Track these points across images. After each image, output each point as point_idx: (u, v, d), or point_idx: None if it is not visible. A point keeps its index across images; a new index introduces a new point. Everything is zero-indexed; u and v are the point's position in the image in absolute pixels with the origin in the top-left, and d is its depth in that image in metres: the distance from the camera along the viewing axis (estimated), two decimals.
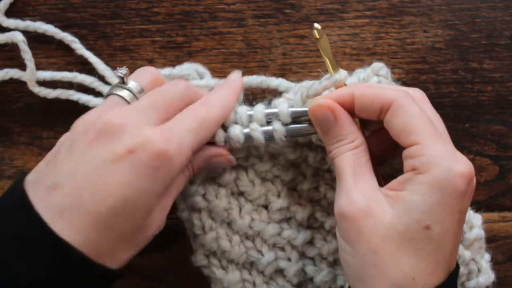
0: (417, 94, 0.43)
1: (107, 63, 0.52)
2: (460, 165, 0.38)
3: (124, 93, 0.42)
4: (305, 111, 0.44)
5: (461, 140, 0.52)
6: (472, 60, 0.52)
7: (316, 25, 0.42)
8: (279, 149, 0.47)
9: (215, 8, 0.52)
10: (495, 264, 0.53)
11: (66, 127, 0.53)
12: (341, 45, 0.52)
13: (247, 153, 0.47)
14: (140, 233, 0.40)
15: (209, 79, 0.49)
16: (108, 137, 0.38)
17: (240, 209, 0.48)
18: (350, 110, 0.42)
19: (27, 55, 0.51)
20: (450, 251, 0.39)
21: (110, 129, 0.38)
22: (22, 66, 0.52)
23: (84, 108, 0.53)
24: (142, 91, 0.43)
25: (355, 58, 0.52)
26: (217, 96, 0.44)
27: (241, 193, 0.48)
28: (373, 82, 0.47)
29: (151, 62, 0.52)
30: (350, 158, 0.41)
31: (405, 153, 0.40)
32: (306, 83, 0.46)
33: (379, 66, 0.47)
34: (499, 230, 0.53)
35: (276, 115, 0.44)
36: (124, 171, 0.37)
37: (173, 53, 0.52)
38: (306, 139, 0.46)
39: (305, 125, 0.44)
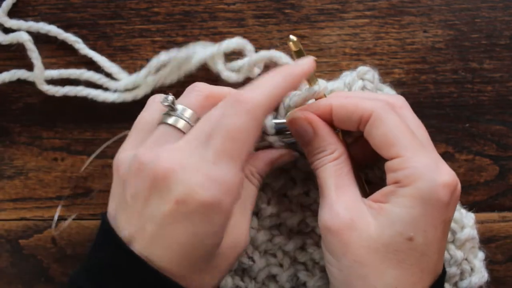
0: (398, 101, 0.43)
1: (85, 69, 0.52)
2: (443, 176, 0.38)
3: (177, 122, 0.40)
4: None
5: (461, 140, 0.52)
6: (472, 60, 0.52)
7: (291, 37, 0.42)
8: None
9: (215, 8, 0.52)
10: (495, 264, 0.53)
11: (66, 127, 0.53)
12: (341, 45, 0.52)
13: None
14: (218, 261, 0.40)
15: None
16: (160, 190, 0.37)
17: None
18: (329, 121, 0.42)
19: (34, 54, 0.51)
20: (435, 260, 0.39)
21: (159, 181, 0.37)
22: (24, 67, 0.52)
23: (88, 107, 0.53)
24: (197, 119, 0.40)
25: (355, 58, 0.52)
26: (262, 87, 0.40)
27: None
28: (357, 88, 0.46)
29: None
30: (331, 169, 0.41)
31: (387, 166, 0.40)
32: (292, 94, 0.46)
33: (364, 70, 0.47)
34: (499, 230, 0.53)
35: None
36: (181, 222, 0.37)
37: None
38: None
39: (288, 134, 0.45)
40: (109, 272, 0.38)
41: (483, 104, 0.52)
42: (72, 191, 0.53)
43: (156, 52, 0.52)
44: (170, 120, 0.40)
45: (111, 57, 0.52)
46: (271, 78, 0.39)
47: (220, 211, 0.37)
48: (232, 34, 0.52)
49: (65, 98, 0.52)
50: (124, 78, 0.51)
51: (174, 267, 0.37)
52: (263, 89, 0.38)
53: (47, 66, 0.52)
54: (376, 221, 0.39)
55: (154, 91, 0.50)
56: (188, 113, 0.40)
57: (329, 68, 0.52)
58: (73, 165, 0.53)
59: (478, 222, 0.51)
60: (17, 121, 0.53)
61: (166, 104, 0.40)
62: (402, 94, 0.52)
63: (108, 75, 0.52)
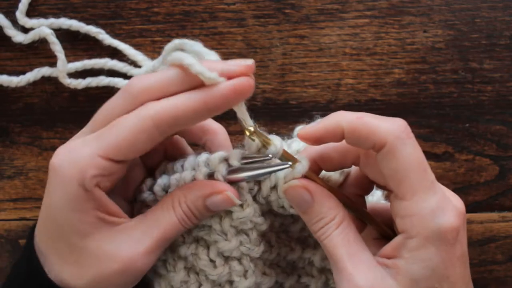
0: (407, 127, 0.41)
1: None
2: (448, 219, 0.37)
3: None
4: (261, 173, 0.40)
5: (461, 140, 0.52)
6: (472, 60, 0.52)
7: (248, 129, 0.39)
8: (248, 223, 0.42)
9: (215, 8, 0.52)
10: (495, 264, 0.53)
11: (66, 127, 0.53)
12: (341, 45, 0.52)
13: (209, 228, 0.42)
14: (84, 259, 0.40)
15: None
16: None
17: (200, 285, 0.44)
18: (340, 141, 0.40)
19: (57, 46, 0.51)
20: None
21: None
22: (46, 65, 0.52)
23: (88, 107, 0.53)
24: None
25: (355, 58, 0.52)
26: (166, 101, 0.37)
27: (201, 270, 0.43)
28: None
29: (150, 59, 0.52)
30: (339, 238, 0.39)
31: (395, 207, 0.39)
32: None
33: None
34: (499, 230, 0.53)
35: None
36: (44, 201, 0.40)
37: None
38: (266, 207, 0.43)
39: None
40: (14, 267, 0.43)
41: (483, 104, 0.52)
42: None
43: (156, 52, 0.52)
44: None
45: (111, 57, 0.52)
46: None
47: (61, 178, 0.38)
48: (232, 34, 0.52)
49: (69, 98, 0.53)
50: (147, 65, 0.52)
51: (46, 249, 0.40)
52: (155, 77, 0.38)
53: (69, 61, 0.53)
54: (397, 283, 0.38)
55: None
56: None
57: (329, 68, 0.52)
58: None
59: (478, 222, 0.51)
60: (17, 121, 0.53)
61: None
62: (402, 94, 0.52)
63: (132, 64, 0.52)
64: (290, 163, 0.39)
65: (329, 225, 0.39)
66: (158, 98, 0.37)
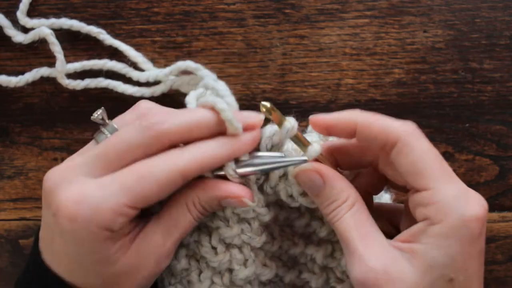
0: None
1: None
2: (473, 208, 0.36)
3: (99, 137, 0.40)
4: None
5: (461, 140, 0.52)
6: (472, 60, 0.52)
7: (264, 103, 0.39)
8: (251, 212, 0.42)
9: (215, 8, 0.52)
10: (495, 264, 0.53)
11: (66, 127, 0.53)
12: (341, 45, 0.52)
13: (212, 214, 0.42)
14: (119, 281, 0.39)
15: (228, 99, 0.43)
16: (44, 202, 0.39)
17: (200, 272, 0.44)
18: (351, 137, 0.40)
19: (56, 47, 0.51)
20: None
21: (43, 193, 0.38)
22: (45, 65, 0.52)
23: (89, 107, 0.53)
24: (115, 131, 0.40)
25: (355, 58, 0.52)
26: (194, 148, 0.38)
27: (202, 257, 0.44)
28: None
29: (151, 62, 0.52)
30: (351, 220, 0.38)
31: (415, 199, 0.38)
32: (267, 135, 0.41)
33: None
34: (499, 230, 0.53)
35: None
36: (58, 235, 0.38)
37: (173, 53, 0.52)
38: (274, 197, 0.43)
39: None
40: (24, 277, 0.42)
41: (483, 104, 0.52)
42: None
43: (156, 52, 0.52)
44: (96, 134, 0.41)
45: (111, 57, 0.52)
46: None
47: (89, 229, 0.36)
48: (232, 34, 0.52)
49: (69, 98, 0.53)
50: (149, 69, 0.52)
51: (69, 277, 0.39)
52: (178, 122, 0.38)
53: (70, 61, 0.53)
54: (411, 267, 0.37)
55: (170, 92, 0.51)
56: (111, 129, 0.40)
57: (329, 68, 0.52)
58: None
59: None
60: (17, 121, 0.53)
61: (94, 117, 0.40)
62: (402, 94, 0.52)
63: (132, 66, 0.52)
64: (306, 158, 0.39)
65: (341, 207, 0.39)
66: (182, 141, 0.38)
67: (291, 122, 0.40)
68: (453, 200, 0.36)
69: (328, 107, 0.52)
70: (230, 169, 0.39)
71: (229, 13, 0.52)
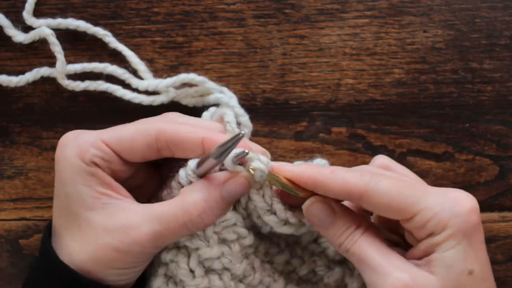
0: (384, 160, 0.44)
1: (108, 63, 0.52)
2: (464, 204, 0.39)
3: None
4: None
5: (461, 140, 0.52)
6: (472, 60, 0.52)
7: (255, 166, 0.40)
8: (230, 232, 0.42)
9: (215, 8, 0.52)
10: (495, 264, 0.53)
11: (66, 127, 0.53)
12: (341, 45, 0.52)
13: (191, 235, 0.41)
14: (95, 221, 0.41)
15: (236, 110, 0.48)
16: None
17: None
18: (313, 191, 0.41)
19: (56, 47, 0.51)
20: (492, 281, 0.40)
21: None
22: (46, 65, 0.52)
23: (90, 108, 0.53)
24: None
25: (355, 58, 0.52)
26: (177, 126, 0.42)
27: (180, 280, 0.43)
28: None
29: (151, 62, 0.52)
30: (368, 241, 0.40)
31: (410, 226, 0.39)
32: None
33: (322, 163, 0.46)
34: (499, 230, 0.53)
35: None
36: (56, 185, 0.44)
37: (173, 53, 0.52)
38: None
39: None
40: (36, 269, 0.44)
41: (483, 104, 0.52)
42: None
43: (156, 52, 0.52)
44: None
45: (112, 57, 0.52)
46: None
47: (69, 157, 0.41)
48: (232, 34, 0.52)
49: (69, 98, 0.53)
50: (148, 78, 0.51)
51: (61, 229, 0.43)
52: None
53: (69, 61, 0.53)
54: (433, 275, 0.38)
55: (170, 104, 0.51)
56: None
57: (329, 68, 0.52)
58: None
59: None
60: (17, 121, 0.53)
61: None
62: (402, 94, 0.52)
63: (132, 72, 0.52)
64: (244, 131, 0.43)
65: (354, 233, 0.40)
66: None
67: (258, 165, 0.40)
68: (444, 208, 0.38)
69: (328, 107, 0.52)
70: (189, 170, 0.40)
71: (229, 13, 0.52)
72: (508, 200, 0.53)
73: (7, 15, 0.52)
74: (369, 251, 0.39)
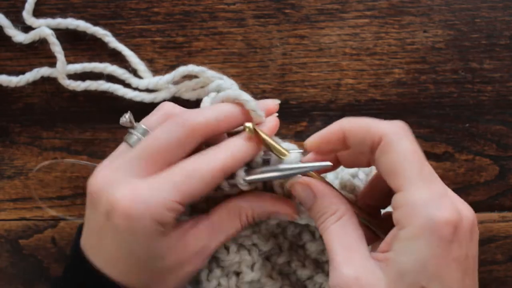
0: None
1: (108, 63, 0.52)
2: (442, 212, 0.35)
3: (130, 139, 0.43)
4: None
5: (461, 140, 0.52)
6: (472, 60, 0.52)
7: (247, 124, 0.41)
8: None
9: (215, 8, 0.52)
10: (495, 264, 0.53)
11: (66, 127, 0.53)
12: (341, 45, 0.52)
13: None
14: (166, 276, 0.41)
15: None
16: (93, 205, 0.41)
17: (209, 272, 0.46)
18: (343, 145, 0.41)
19: (56, 47, 0.51)
20: None
21: (91, 197, 0.41)
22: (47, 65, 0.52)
23: (89, 108, 0.53)
24: (146, 133, 0.43)
25: (355, 58, 0.52)
26: (227, 146, 0.42)
27: (214, 257, 0.45)
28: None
29: (151, 62, 0.52)
30: (335, 231, 0.39)
31: (392, 201, 0.38)
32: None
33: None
34: (499, 230, 0.53)
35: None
36: (110, 233, 0.40)
37: (173, 53, 0.52)
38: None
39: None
40: (67, 277, 0.43)
41: (483, 104, 0.52)
42: (72, 191, 0.53)
43: (156, 52, 0.52)
44: (126, 137, 0.43)
45: (112, 57, 0.52)
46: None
47: (144, 226, 0.39)
48: (232, 34, 0.52)
49: (69, 98, 0.53)
50: (148, 77, 0.52)
51: (121, 277, 0.40)
52: (208, 115, 0.41)
53: (69, 61, 0.53)
54: (384, 276, 0.36)
55: (173, 99, 0.51)
56: (141, 130, 0.43)
57: (329, 68, 0.52)
58: (73, 165, 0.53)
59: (478, 222, 0.51)
60: (17, 121, 0.53)
61: (122, 121, 0.43)
62: (402, 94, 0.52)
63: (132, 72, 0.52)
64: (318, 164, 0.41)
65: (328, 219, 0.40)
66: (212, 134, 0.41)
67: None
68: (423, 203, 0.35)
69: (328, 107, 0.52)
70: (240, 178, 0.42)
71: (229, 13, 0.52)
72: (508, 200, 0.53)
73: (7, 15, 0.52)
74: (334, 241, 0.39)
